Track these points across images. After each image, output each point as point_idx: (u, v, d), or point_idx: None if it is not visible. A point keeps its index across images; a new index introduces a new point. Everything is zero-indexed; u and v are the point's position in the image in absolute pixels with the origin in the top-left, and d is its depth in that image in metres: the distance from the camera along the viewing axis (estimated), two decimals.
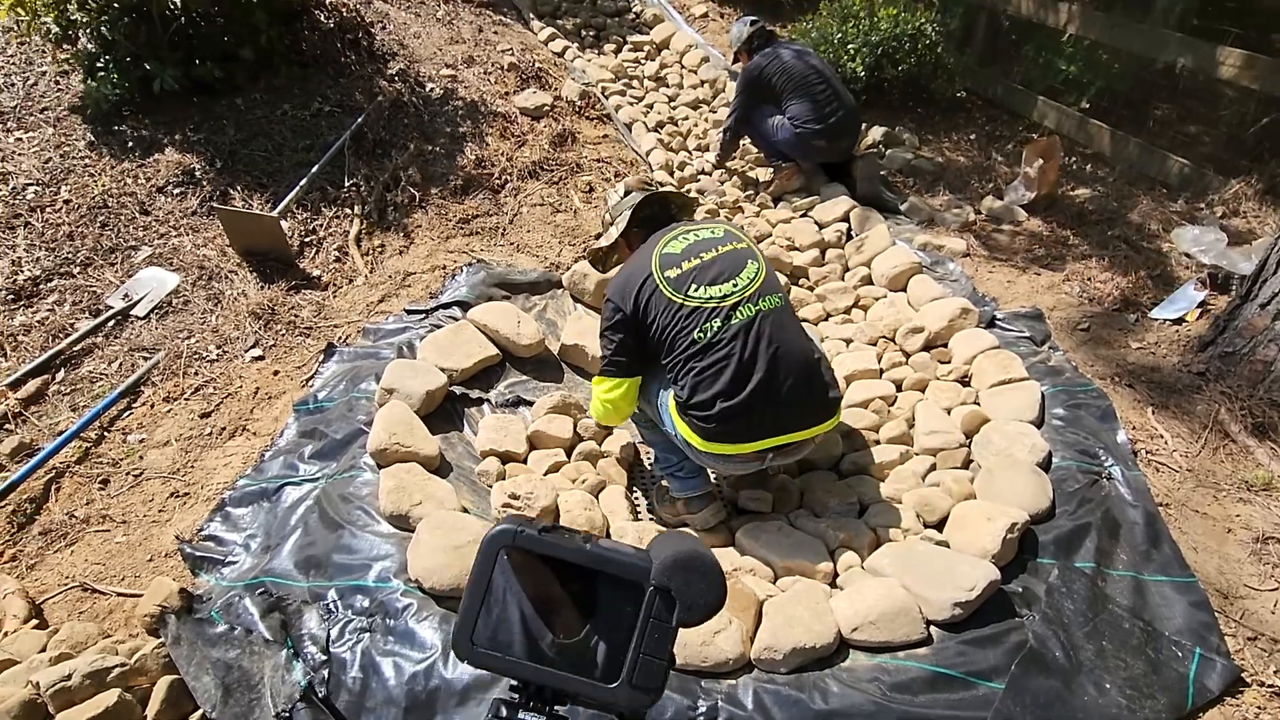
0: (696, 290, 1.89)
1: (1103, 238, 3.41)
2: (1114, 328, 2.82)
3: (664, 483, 2.20)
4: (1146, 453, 2.24)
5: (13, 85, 3.50)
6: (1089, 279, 3.11)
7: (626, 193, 2.22)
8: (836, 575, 1.87)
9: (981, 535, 1.81)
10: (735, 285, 1.90)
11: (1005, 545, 1.78)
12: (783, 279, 1.98)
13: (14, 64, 3.60)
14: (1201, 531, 2.01)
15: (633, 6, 5.56)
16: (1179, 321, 2.78)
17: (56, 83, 3.53)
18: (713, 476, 2.23)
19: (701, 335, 1.85)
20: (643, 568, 0.61)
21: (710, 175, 4.00)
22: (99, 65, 3.34)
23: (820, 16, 4.71)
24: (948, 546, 1.87)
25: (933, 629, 1.69)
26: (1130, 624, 1.70)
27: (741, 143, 4.05)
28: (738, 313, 1.86)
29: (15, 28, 3.40)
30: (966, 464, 2.22)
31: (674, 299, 1.89)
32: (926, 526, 1.99)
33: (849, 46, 4.43)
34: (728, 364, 1.82)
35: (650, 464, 2.38)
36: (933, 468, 2.22)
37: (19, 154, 3.20)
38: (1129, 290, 3.00)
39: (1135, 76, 4.55)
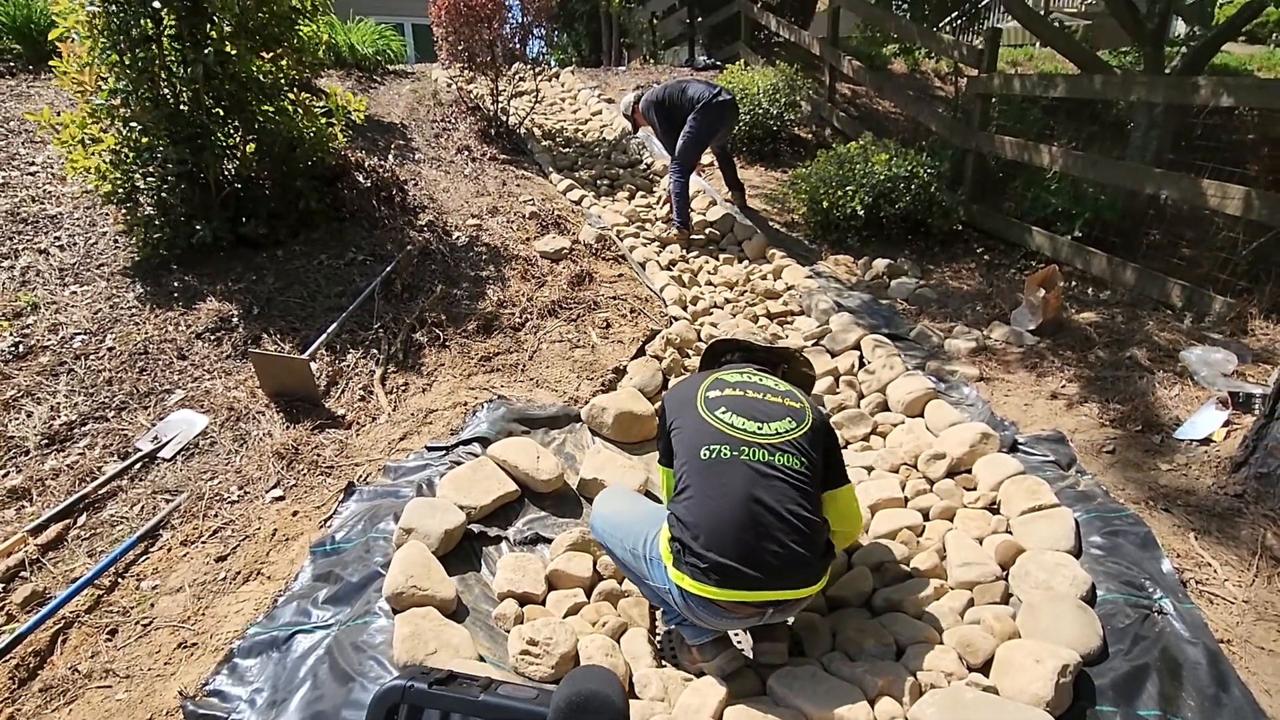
0: (724, 415, 1.93)
1: (1115, 359, 3.44)
2: (1140, 449, 2.77)
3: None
4: (1196, 583, 2.12)
5: (75, 244, 3.81)
6: (1106, 401, 3.10)
7: None
8: None
9: (1032, 679, 1.69)
10: (760, 429, 1.89)
11: (1059, 690, 1.65)
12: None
13: (78, 225, 3.94)
14: (1271, 671, 1.85)
15: (644, 159, 6.05)
16: (1206, 441, 2.73)
17: (115, 242, 3.84)
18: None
19: (708, 454, 1.86)
20: (538, 714, 0.58)
21: (723, 309, 4.15)
22: (154, 225, 3.65)
23: (818, 162, 5.09)
24: (996, 693, 1.74)
25: None
26: None
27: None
28: (749, 451, 1.85)
29: (83, 192, 3.75)
30: (1005, 598, 2.11)
31: (701, 413, 1.96)
32: (971, 670, 1.86)
33: (847, 189, 4.75)
34: (721, 493, 1.78)
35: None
36: (970, 603, 2.11)
37: (71, 306, 3.42)
38: (1148, 412, 2.98)
39: (1124, 207, 4.79)
